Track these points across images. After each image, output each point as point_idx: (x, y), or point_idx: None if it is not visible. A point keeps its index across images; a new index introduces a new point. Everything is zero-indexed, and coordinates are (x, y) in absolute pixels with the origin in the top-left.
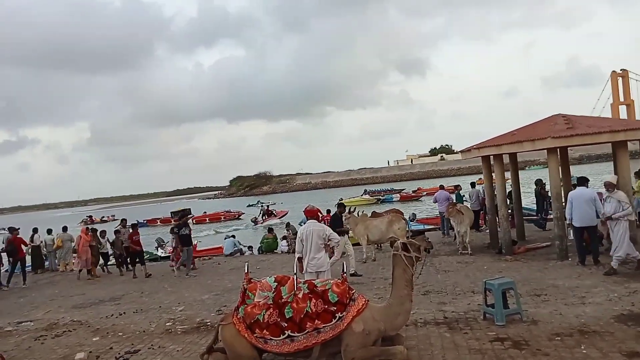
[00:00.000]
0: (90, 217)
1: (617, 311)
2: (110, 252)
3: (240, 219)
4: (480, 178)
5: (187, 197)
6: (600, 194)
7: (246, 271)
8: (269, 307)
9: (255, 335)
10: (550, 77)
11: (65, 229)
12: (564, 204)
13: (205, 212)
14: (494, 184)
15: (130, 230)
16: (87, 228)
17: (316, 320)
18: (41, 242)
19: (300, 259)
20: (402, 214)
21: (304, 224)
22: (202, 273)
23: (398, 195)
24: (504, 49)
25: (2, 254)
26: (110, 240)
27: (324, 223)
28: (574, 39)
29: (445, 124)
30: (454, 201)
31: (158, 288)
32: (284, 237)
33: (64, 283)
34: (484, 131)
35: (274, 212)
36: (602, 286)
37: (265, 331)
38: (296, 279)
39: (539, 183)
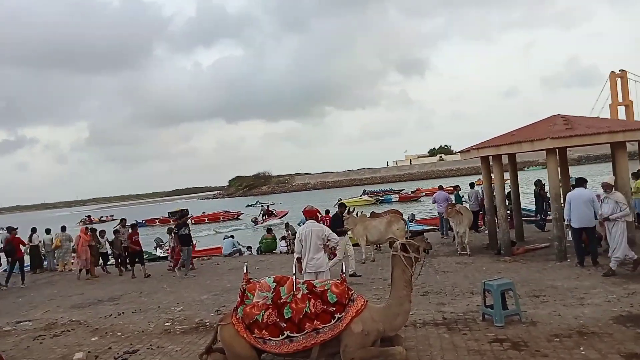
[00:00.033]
0: (89, 217)
1: (616, 312)
2: (110, 252)
3: (239, 219)
4: (479, 179)
5: (185, 197)
6: (599, 195)
7: (245, 271)
8: (268, 308)
9: (254, 335)
10: (550, 77)
11: (63, 228)
12: (562, 204)
13: (204, 212)
14: (493, 185)
15: (130, 230)
16: (87, 228)
17: (315, 321)
18: (40, 241)
19: (299, 260)
20: (401, 214)
21: (303, 224)
22: (201, 273)
23: (397, 195)
24: (503, 49)
25: (0, 253)
26: (110, 240)
27: (323, 223)
28: (574, 39)
29: (445, 124)
30: (453, 202)
31: (157, 288)
32: (283, 238)
33: (63, 283)
34: (483, 131)
35: (274, 212)
36: (600, 287)
37: (264, 331)
38: (295, 280)
39: (539, 184)
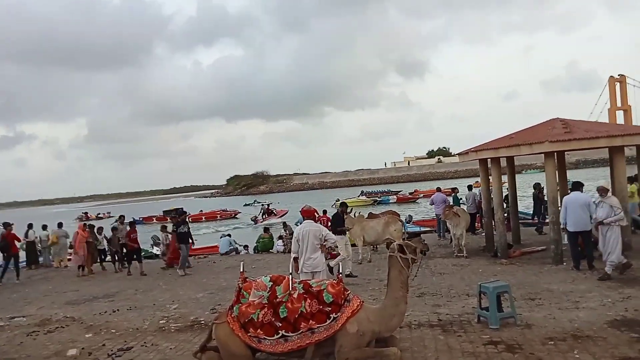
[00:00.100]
0: (86, 213)
1: (611, 316)
2: (107, 248)
3: (236, 217)
4: (477, 181)
5: (183, 195)
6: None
7: (241, 270)
8: (263, 307)
9: (249, 334)
10: (549, 81)
11: (60, 225)
12: (559, 208)
13: (201, 211)
14: (490, 188)
15: (128, 228)
16: (85, 224)
17: (310, 321)
18: (36, 237)
19: (296, 259)
20: (398, 215)
21: (301, 224)
22: (197, 271)
23: (395, 196)
24: (503, 52)
25: None
26: (107, 237)
27: (321, 223)
28: (573, 43)
29: (444, 126)
30: (451, 204)
31: (153, 286)
32: (280, 237)
33: (58, 279)
34: (482, 134)
35: (274, 211)
36: (596, 291)
37: (259, 330)
38: (292, 279)
39: (537, 187)
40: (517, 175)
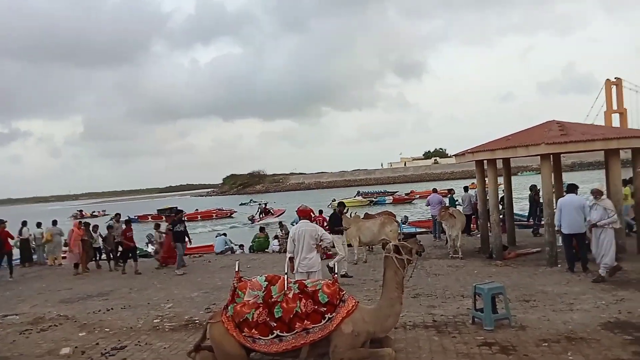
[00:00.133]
0: (81, 211)
1: (605, 319)
2: (102, 246)
3: (232, 217)
4: (473, 182)
5: (179, 194)
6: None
7: (237, 269)
8: (258, 306)
9: (243, 334)
10: (546, 83)
11: (54, 222)
12: (555, 210)
13: (197, 210)
14: (486, 189)
15: (124, 226)
16: (80, 222)
17: (305, 321)
18: (30, 235)
19: (291, 259)
20: (394, 216)
21: (296, 223)
22: (192, 270)
23: (391, 197)
24: (501, 54)
25: None
26: (103, 235)
27: (317, 223)
28: (571, 45)
29: (441, 127)
30: (447, 205)
31: (147, 285)
32: (276, 237)
33: (52, 277)
34: (478, 135)
35: (271, 210)
36: (590, 293)
37: (254, 330)
38: (287, 279)
39: (534, 189)
40: (513, 177)
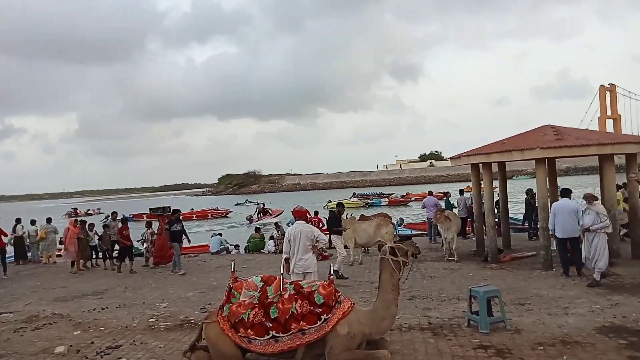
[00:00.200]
0: (75, 209)
1: (599, 323)
2: (97, 244)
3: (227, 217)
4: (469, 185)
5: (174, 193)
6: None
7: (232, 269)
8: (254, 307)
9: (239, 334)
10: (541, 88)
11: (49, 220)
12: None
13: (192, 209)
14: (482, 192)
15: (120, 225)
16: (76, 220)
17: (301, 322)
18: (24, 232)
19: (287, 260)
20: (390, 218)
21: (292, 224)
22: (187, 270)
23: (386, 199)
24: (496, 58)
25: None
26: (99, 234)
27: (312, 224)
28: (565, 51)
29: (436, 130)
30: (443, 207)
31: (142, 284)
32: (272, 237)
33: (47, 275)
34: (474, 139)
35: (269, 210)
36: (585, 297)
37: (249, 331)
38: (283, 280)
39: (530, 193)
40: (508, 181)
